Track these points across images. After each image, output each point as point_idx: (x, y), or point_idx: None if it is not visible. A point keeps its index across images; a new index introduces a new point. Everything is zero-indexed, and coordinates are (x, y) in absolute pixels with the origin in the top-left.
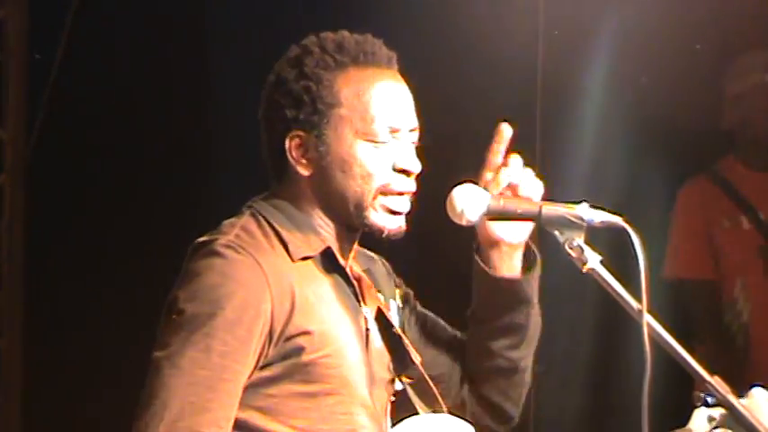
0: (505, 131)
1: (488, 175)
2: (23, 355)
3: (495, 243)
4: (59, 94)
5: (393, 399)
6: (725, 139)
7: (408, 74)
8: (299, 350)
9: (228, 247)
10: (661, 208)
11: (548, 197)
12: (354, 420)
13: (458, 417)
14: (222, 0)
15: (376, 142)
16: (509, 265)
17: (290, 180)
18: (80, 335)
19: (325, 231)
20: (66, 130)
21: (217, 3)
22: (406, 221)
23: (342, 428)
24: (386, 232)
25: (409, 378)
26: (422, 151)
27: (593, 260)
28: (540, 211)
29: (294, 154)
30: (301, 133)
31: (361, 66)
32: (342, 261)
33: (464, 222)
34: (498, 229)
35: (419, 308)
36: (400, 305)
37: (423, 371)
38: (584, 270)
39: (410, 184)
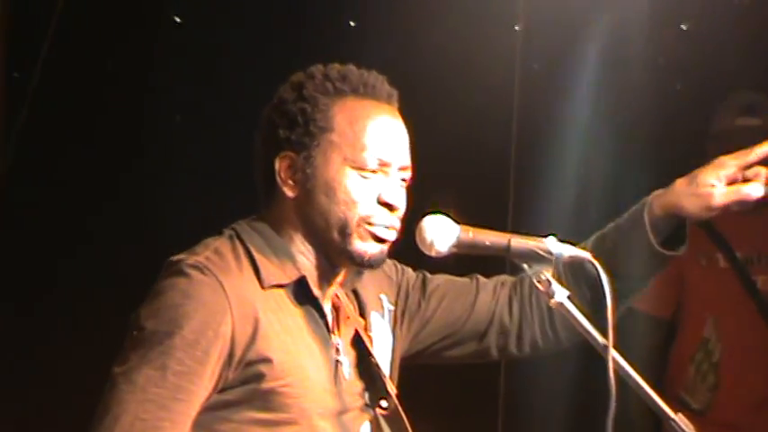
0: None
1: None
2: None
3: (674, 215)
4: (36, 114)
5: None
6: None
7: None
8: (259, 377)
9: (195, 267)
10: None
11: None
12: None
13: None
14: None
15: (364, 171)
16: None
17: (276, 202)
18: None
19: (305, 258)
20: (43, 151)
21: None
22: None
23: None
24: (366, 257)
25: (383, 409)
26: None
27: (560, 294)
28: (508, 245)
29: (282, 174)
30: (291, 154)
31: (360, 96)
32: (316, 291)
33: (433, 253)
34: (690, 202)
35: (435, 284)
36: (391, 308)
37: (396, 402)
38: (551, 304)
39: (393, 220)
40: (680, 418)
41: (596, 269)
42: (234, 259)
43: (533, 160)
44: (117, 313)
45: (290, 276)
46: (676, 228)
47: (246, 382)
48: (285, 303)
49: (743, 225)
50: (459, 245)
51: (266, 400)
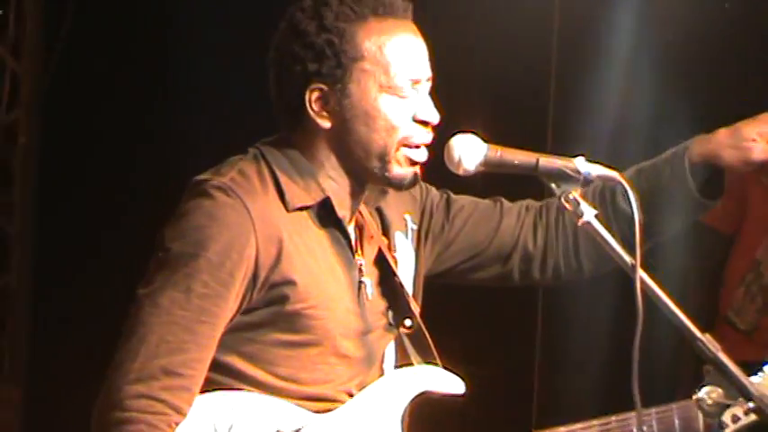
0: None
1: None
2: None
3: (713, 164)
4: (76, 31)
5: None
6: None
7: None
8: (283, 299)
9: (219, 188)
10: None
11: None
12: (332, 371)
13: (449, 371)
14: None
15: (399, 95)
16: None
17: (305, 130)
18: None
19: (332, 182)
20: (83, 68)
21: None
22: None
23: (320, 377)
24: (405, 181)
25: (407, 328)
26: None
27: (588, 214)
28: (537, 163)
29: (314, 106)
30: (323, 86)
31: (380, 17)
32: (341, 212)
33: (461, 171)
34: (729, 154)
35: (459, 205)
36: (414, 227)
37: (420, 321)
38: (579, 223)
39: (429, 135)
40: (707, 338)
41: (624, 188)
42: (259, 180)
43: (573, 86)
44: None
45: (314, 198)
46: (715, 176)
47: (271, 304)
48: (309, 225)
49: None
50: (487, 163)
51: (290, 321)
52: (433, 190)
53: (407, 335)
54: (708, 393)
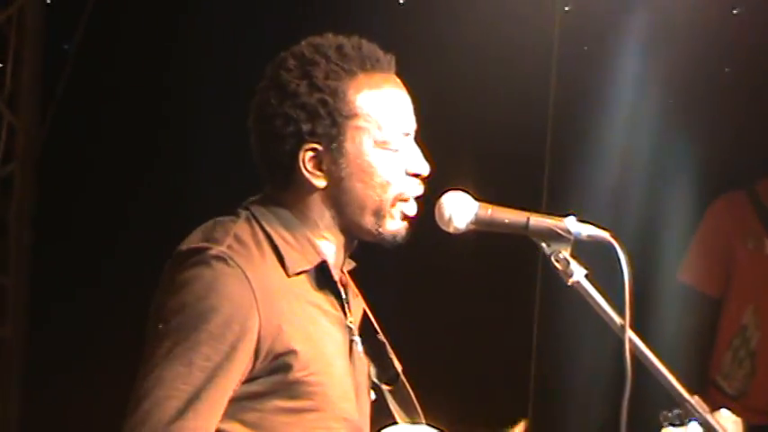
0: None
1: None
2: (27, 343)
3: None
4: (74, 84)
5: (373, 400)
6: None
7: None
8: (286, 368)
9: (219, 258)
10: (690, 214)
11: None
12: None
13: (436, 428)
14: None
15: (392, 149)
16: None
17: (297, 190)
18: (84, 323)
19: (326, 242)
20: (79, 121)
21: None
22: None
23: None
24: (398, 236)
25: (388, 385)
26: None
27: (578, 273)
28: (527, 223)
29: (308, 166)
30: (317, 146)
31: (368, 72)
32: (336, 274)
33: (451, 230)
34: None
35: None
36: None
37: (403, 378)
38: (569, 283)
39: (421, 188)
40: (696, 400)
41: (615, 249)
42: (255, 246)
43: (570, 142)
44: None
45: (311, 261)
46: None
47: (273, 373)
48: (306, 289)
49: None
50: (478, 222)
51: (292, 389)
52: None
53: (390, 392)
54: None
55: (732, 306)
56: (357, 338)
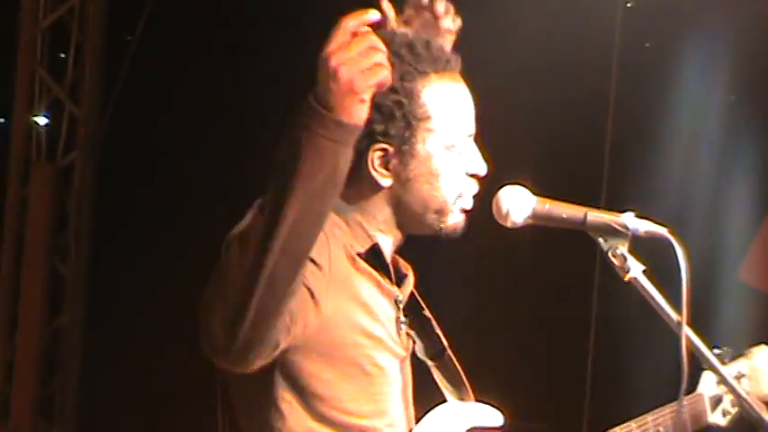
0: None
1: None
2: (84, 333)
3: None
4: (136, 75)
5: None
6: None
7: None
8: (339, 347)
9: None
10: (752, 212)
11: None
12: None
13: (487, 404)
14: None
15: (458, 152)
16: None
17: (359, 185)
18: (143, 313)
19: (380, 233)
20: (140, 111)
21: None
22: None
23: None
24: (457, 230)
25: (434, 361)
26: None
27: (635, 269)
28: (585, 218)
29: (376, 165)
30: (387, 147)
31: (440, 73)
32: (387, 257)
33: (509, 224)
34: None
35: None
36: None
37: (450, 353)
38: (626, 279)
39: (477, 187)
40: (750, 396)
41: (673, 246)
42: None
43: (630, 138)
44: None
45: (363, 245)
46: None
47: (326, 350)
48: (361, 268)
49: None
50: (535, 216)
51: (345, 361)
52: None
53: (437, 367)
54: None
55: None
56: (404, 318)
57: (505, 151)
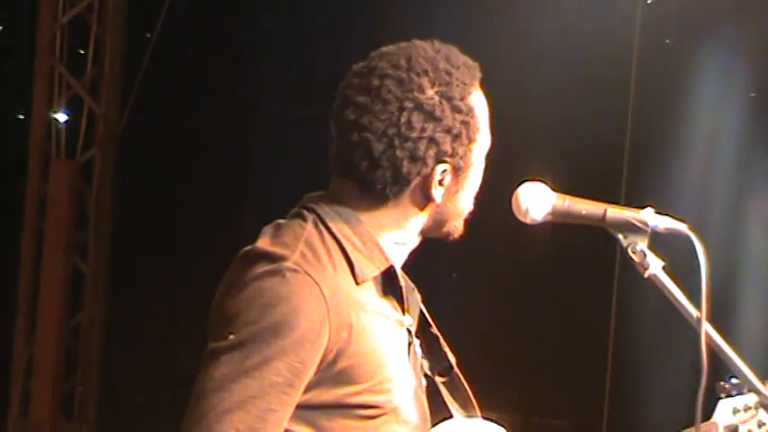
0: None
1: None
2: (104, 330)
3: None
4: (155, 72)
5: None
6: None
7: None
8: (351, 381)
9: (294, 271)
10: None
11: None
12: None
13: (492, 421)
14: None
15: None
16: None
17: (402, 201)
18: (162, 309)
19: (395, 247)
20: (160, 107)
21: None
22: None
23: None
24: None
25: (442, 377)
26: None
27: (654, 266)
28: (605, 214)
29: (439, 181)
30: (451, 164)
31: (478, 88)
32: (401, 280)
33: (528, 220)
34: None
35: None
36: None
37: (457, 371)
38: (646, 275)
39: None
40: None
41: (693, 242)
42: (326, 254)
43: (650, 134)
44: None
45: (378, 267)
46: None
47: (338, 385)
48: (372, 295)
49: None
50: (555, 213)
51: (359, 399)
52: None
53: (444, 383)
54: None
55: None
56: (416, 341)
57: (525, 148)
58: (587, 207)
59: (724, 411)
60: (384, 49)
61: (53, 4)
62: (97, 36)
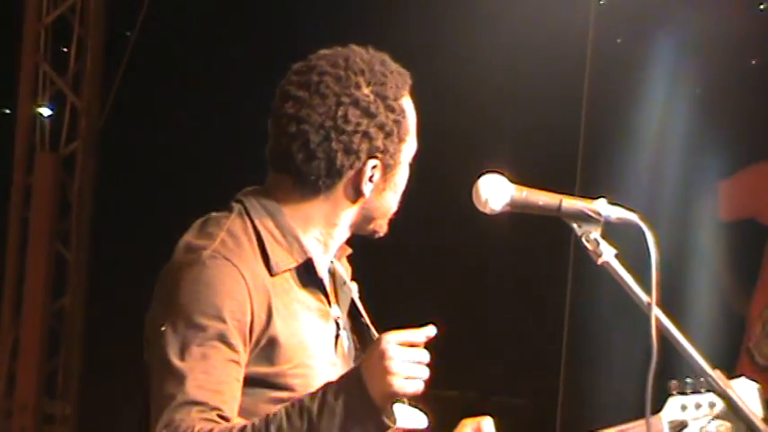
0: None
1: None
2: (85, 313)
3: None
4: (135, 67)
5: None
6: None
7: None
8: (270, 359)
9: (214, 257)
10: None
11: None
12: None
13: (414, 407)
14: None
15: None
16: None
17: (333, 195)
18: (140, 294)
19: (318, 243)
20: (139, 102)
21: None
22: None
23: None
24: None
25: None
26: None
27: (607, 253)
28: (560, 205)
29: (369, 177)
30: (380, 160)
31: (408, 96)
32: (321, 272)
33: (487, 211)
34: None
35: None
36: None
37: None
38: (599, 262)
39: None
40: (717, 374)
41: (643, 232)
42: (247, 241)
43: (603, 130)
44: None
45: (296, 259)
46: None
47: (258, 363)
48: (290, 285)
49: None
50: (513, 204)
51: (276, 379)
52: None
53: None
54: (717, 427)
55: (765, 276)
56: (343, 332)
57: (483, 141)
58: (544, 198)
59: (672, 407)
60: (322, 51)
61: (38, 5)
62: (79, 35)
